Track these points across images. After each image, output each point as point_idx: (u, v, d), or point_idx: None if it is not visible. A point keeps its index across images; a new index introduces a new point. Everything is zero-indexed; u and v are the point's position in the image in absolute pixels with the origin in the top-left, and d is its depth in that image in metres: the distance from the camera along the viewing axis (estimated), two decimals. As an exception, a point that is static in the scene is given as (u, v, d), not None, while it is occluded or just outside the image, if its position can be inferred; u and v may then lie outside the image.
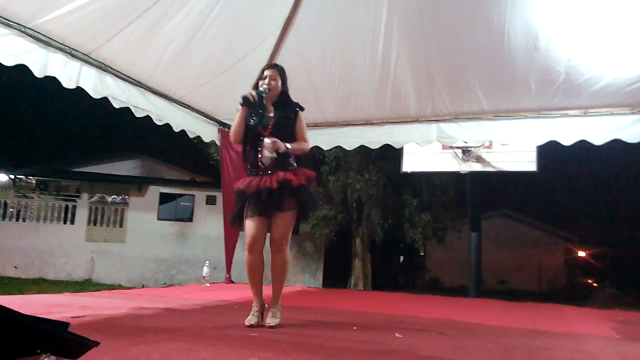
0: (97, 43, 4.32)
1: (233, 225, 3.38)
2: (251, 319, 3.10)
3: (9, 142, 24.75)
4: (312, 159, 12.62)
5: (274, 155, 3.07)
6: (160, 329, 2.85)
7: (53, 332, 1.42)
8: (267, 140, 3.06)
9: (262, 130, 3.16)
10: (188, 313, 3.81)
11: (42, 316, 1.53)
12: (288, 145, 3.11)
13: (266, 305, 3.25)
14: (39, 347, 1.35)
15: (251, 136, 3.20)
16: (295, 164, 3.23)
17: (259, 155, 3.13)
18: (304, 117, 3.32)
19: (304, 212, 3.26)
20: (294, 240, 16.42)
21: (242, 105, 3.15)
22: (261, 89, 3.18)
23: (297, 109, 3.29)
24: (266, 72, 3.27)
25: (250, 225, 3.15)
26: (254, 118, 3.20)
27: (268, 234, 3.21)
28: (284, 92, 3.30)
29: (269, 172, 3.11)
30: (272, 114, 3.22)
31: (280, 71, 3.30)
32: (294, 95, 3.38)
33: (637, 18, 4.24)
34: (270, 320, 3.10)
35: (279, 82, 3.26)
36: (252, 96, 3.13)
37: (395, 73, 5.33)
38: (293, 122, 3.25)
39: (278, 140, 3.07)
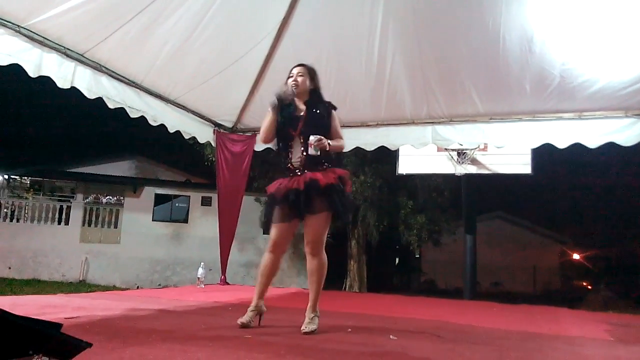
0: (92, 43, 4.31)
1: (265, 231, 3.32)
2: (243, 318, 3.06)
3: (2, 142, 24.63)
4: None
5: (318, 153, 2.99)
6: (155, 330, 2.83)
7: (45, 333, 1.42)
8: (312, 138, 2.98)
9: (292, 130, 3.11)
10: (182, 314, 3.80)
11: (34, 317, 1.52)
12: (330, 143, 3.05)
13: (263, 309, 3.21)
14: (31, 348, 1.34)
15: (281, 137, 3.17)
16: (327, 164, 3.11)
17: (289, 157, 3.11)
18: (337, 115, 3.25)
19: (338, 213, 3.05)
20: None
21: (272, 108, 3.13)
22: (290, 89, 3.13)
23: (332, 107, 3.23)
24: (293, 70, 3.24)
25: (274, 230, 3.12)
26: (287, 116, 3.14)
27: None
28: (314, 90, 3.24)
29: (299, 173, 3.06)
30: (302, 113, 3.16)
31: (309, 69, 3.26)
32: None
33: (631, 22, 4.27)
34: (305, 327, 3.00)
35: (307, 79, 3.21)
36: (281, 96, 3.11)
37: (391, 75, 5.34)
38: (326, 120, 3.17)
39: (324, 138, 3.00)
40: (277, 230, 3.12)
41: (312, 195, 2.98)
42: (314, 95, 3.23)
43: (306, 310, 3.12)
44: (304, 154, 3.04)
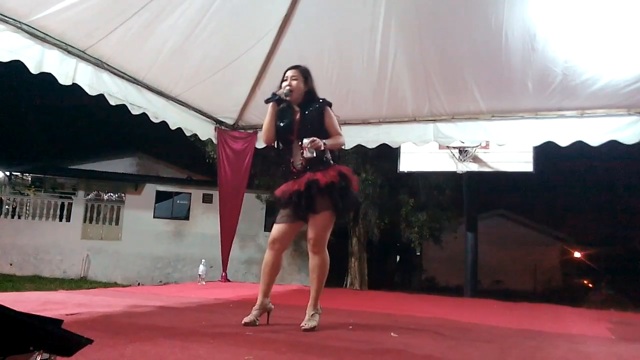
0: (94, 39, 4.30)
1: None
2: (248, 317, 3.07)
3: (4, 139, 24.65)
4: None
5: (314, 154, 3.01)
6: (156, 327, 2.84)
7: (46, 329, 1.41)
8: (305, 141, 3.00)
9: (290, 133, 3.15)
10: (184, 311, 3.80)
11: (36, 313, 1.51)
12: (325, 142, 3.06)
13: (270, 307, 3.21)
14: (32, 344, 1.34)
15: (282, 142, 3.21)
16: (331, 162, 3.15)
17: (291, 160, 3.14)
18: (332, 111, 3.23)
19: (339, 211, 3.12)
20: (291, 239, 16.42)
21: (266, 102, 3.18)
22: (285, 90, 3.14)
23: (324, 105, 3.21)
24: (287, 73, 3.23)
25: (275, 228, 3.18)
26: (283, 121, 3.19)
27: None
28: (309, 91, 3.24)
29: (300, 175, 3.09)
30: (297, 117, 3.18)
31: (303, 71, 3.24)
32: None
33: (634, 19, 4.25)
34: (304, 323, 3.00)
35: (301, 82, 3.20)
36: (278, 94, 3.14)
37: (393, 72, 5.32)
38: (319, 119, 3.16)
39: (317, 139, 3.00)
40: (277, 228, 3.17)
41: (313, 195, 3.00)
42: (307, 97, 3.22)
43: (307, 307, 3.12)
44: (303, 156, 3.06)
